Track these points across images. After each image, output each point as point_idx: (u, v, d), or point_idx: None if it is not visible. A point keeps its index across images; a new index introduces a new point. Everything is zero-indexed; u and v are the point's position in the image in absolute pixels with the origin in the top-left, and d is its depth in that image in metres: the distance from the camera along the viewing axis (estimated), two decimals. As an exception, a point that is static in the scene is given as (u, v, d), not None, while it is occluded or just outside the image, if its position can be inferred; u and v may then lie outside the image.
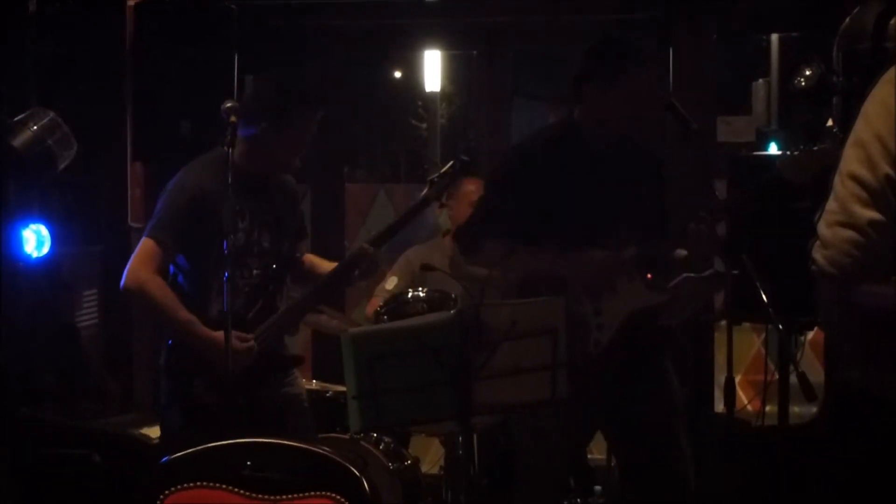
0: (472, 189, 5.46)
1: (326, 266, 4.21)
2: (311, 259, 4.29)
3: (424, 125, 15.99)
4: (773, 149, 5.80)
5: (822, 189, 2.65)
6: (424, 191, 4.07)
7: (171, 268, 3.95)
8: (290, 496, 3.19)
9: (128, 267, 3.88)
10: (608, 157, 3.96)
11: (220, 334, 3.69)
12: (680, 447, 3.96)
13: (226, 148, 3.64)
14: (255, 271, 3.96)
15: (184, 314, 3.84)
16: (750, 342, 7.09)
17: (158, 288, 3.84)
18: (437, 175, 4.06)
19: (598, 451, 5.17)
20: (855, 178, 2.53)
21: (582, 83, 3.92)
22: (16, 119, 4.58)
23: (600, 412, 3.96)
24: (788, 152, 3.77)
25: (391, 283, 5.51)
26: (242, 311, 3.88)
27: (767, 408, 4.88)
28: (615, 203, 3.94)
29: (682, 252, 3.96)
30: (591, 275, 3.87)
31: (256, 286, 3.97)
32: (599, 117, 3.91)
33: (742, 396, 5.81)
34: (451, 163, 4.10)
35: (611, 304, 3.90)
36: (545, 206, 3.88)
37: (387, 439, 4.48)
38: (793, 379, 4.02)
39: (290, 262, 4.11)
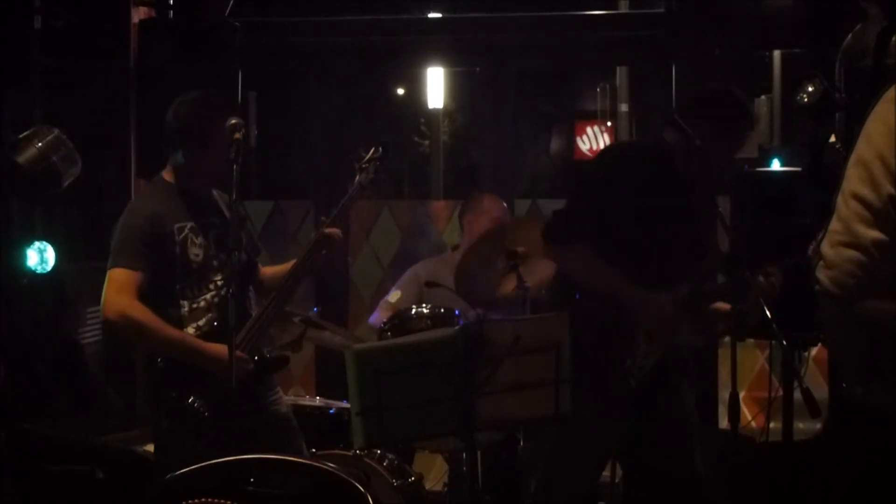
0: (491, 206, 5.49)
1: (285, 266, 4.23)
2: (269, 268, 4.33)
3: (427, 142, 16.02)
4: (776, 165, 5.81)
5: (825, 208, 2.66)
6: (357, 178, 4.21)
7: None
8: (294, 512, 3.19)
9: (104, 299, 3.87)
10: (692, 185, 4.00)
11: (215, 345, 3.77)
12: (696, 469, 3.98)
13: (232, 165, 3.68)
14: (218, 283, 3.99)
15: (174, 332, 3.86)
16: (754, 358, 7.07)
17: (142, 312, 3.84)
18: (364, 160, 4.22)
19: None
20: (858, 198, 2.53)
21: (703, 117, 3.96)
22: (20, 136, 4.58)
23: (621, 433, 3.98)
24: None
25: (395, 296, 5.53)
26: (215, 325, 3.91)
27: (771, 424, 4.88)
28: (688, 228, 4.01)
29: (724, 306, 4.00)
30: (652, 320, 3.91)
31: (223, 298, 3.97)
32: (706, 152, 3.94)
33: (746, 412, 5.80)
34: (373, 148, 4.26)
35: (658, 335, 3.94)
36: (631, 215, 3.91)
37: (390, 456, 4.48)
38: (797, 395, 4.02)
39: (249, 270, 4.13)
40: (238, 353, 3.82)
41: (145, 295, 3.88)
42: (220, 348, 3.74)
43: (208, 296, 3.96)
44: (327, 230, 4.10)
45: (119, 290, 3.85)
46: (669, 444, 3.98)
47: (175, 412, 3.88)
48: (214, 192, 4.17)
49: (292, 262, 4.16)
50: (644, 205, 3.90)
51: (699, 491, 3.97)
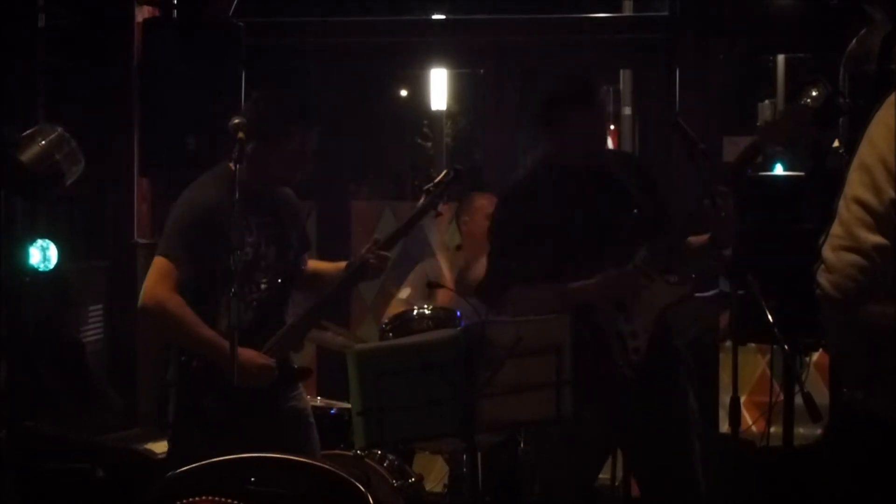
0: (484, 203, 5.48)
1: (330, 269, 4.25)
2: (315, 264, 4.33)
3: (430, 143, 16.03)
4: (780, 169, 5.82)
5: (827, 211, 2.66)
6: (421, 200, 4.15)
7: None
8: (294, 512, 3.19)
9: (144, 286, 3.88)
10: (592, 175, 3.99)
11: (245, 351, 3.75)
12: (695, 462, 3.98)
13: (233, 164, 3.69)
14: (262, 285, 3.98)
15: (207, 331, 3.85)
16: (755, 363, 7.07)
17: (178, 306, 3.84)
18: (431, 184, 4.16)
19: (602, 472, 5.16)
20: (860, 203, 2.53)
21: (550, 113, 3.95)
22: (24, 134, 4.59)
23: (623, 425, 3.98)
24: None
25: (405, 293, 5.54)
26: (251, 326, 3.89)
27: (772, 428, 4.88)
28: (616, 216, 3.97)
29: (700, 238, 3.97)
30: (614, 292, 3.88)
31: (263, 300, 3.98)
32: (571, 140, 3.93)
33: (747, 417, 5.81)
34: (444, 171, 4.20)
35: (639, 310, 3.90)
36: (550, 242, 3.90)
37: (391, 457, 4.48)
38: (798, 400, 4.02)
39: (294, 274, 4.13)
40: (266, 360, 3.88)
41: (186, 285, 3.87)
42: (247, 355, 3.76)
43: (249, 297, 3.92)
44: (374, 255, 4.06)
45: (160, 279, 3.85)
46: (669, 442, 3.96)
47: (191, 410, 3.90)
48: (286, 191, 4.16)
49: (342, 263, 4.16)
50: (557, 224, 3.90)
51: (698, 491, 3.96)
